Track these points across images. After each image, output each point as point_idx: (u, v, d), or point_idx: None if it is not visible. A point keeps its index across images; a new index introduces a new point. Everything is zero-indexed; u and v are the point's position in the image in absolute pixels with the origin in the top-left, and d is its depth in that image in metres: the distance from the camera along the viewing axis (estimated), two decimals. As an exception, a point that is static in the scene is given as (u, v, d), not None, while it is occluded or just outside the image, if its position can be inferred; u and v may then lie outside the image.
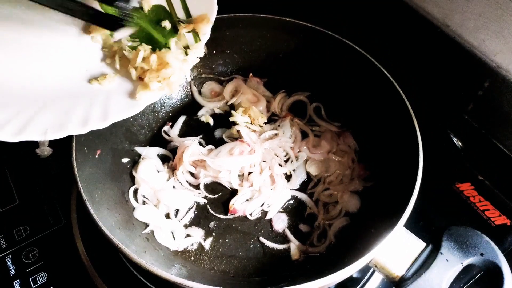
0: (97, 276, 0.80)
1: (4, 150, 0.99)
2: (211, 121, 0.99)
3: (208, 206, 0.87)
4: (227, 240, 0.82)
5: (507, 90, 0.85)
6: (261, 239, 0.82)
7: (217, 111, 1.02)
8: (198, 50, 0.69)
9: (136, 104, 0.64)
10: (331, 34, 0.91)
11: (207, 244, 0.82)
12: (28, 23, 0.66)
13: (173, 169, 0.90)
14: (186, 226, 0.84)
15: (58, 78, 0.65)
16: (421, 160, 0.72)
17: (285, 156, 0.93)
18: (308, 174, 0.91)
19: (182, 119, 1.00)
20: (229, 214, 0.85)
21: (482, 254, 0.66)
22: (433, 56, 0.97)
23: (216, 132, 0.98)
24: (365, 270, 0.82)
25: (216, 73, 1.04)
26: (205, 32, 0.68)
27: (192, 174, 0.90)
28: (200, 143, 0.94)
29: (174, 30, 0.69)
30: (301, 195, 0.88)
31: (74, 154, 0.72)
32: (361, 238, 0.73)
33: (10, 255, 0.84)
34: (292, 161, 0.92)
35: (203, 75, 1.04)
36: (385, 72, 0.84)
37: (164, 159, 0.92)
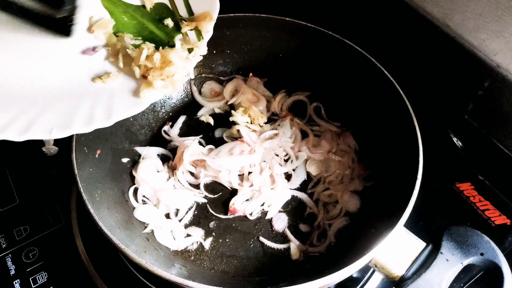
0: (97, 276, 0.80)
1: (4, 150, 0.99)
2: (211, 121, 0.99)
3: (208, 206, 0.87)
4: (227, 240, 0.82)
5: (507, 90, 0.85)
6: (261, 239, 0.82)
7: (217, 111, 1.02)
8: (201, 48, 0.69)
9: (140, 103, 0.64)
10: (331, 34, 0.91)
11: (207, 244, 0.82)
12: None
13: (173, 169, 0.90)
14: (186, 226, 0.84)
15: (61, 77, 0.65)
16: (421, 160, 0.72)
17: (285, 156, 0.93)
18: (308, 174, 0.91)
19: (182, 119, 0.99)
20: (229, 214, 0.85)
21: (482, 254, 0.66)
22: (433, 56, 0.97)
23: (216, 132, 0.98)
24: (365, 270, 0.82)
25: (216, 73, 1.04)
26: (208, 30, 0.69)
27: (192, 174, 0.90)
28: (200, 143, 0.94)
29: (177, 28, 0.69)
30: (301, 195, 0.88)
31: (74, 154, 0.72)
32: (361, 238, 0.73)
33: (10, 255, 0.84)
34: (292, 161, 0.92)
35: (203, 75, 1.04)
36: (385, 72, 0.84)
37: (164, 159, 0.92)
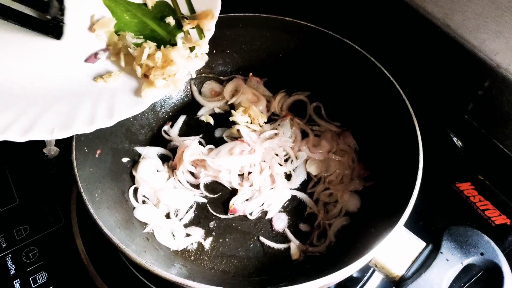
0: (97, 275, 0.80)
1: (4, 150, 0.99)
2: (211, 121, 0.99)
3: (208, 205, 0.87)
4: (227, 240, 0.82)
5: (507, 90, 0.85)
6: (261, 238, 0.82)
7: (217, 110, 1.02)
8: (203, 47, 0.69)
9: (141, 102, 0.63)
10: (331, 34, 0.91)
11: (207, 243, 0.82)
12: None
13: (173, 169, 0.90)
14: (186, 226, 0.84)
15: (62, 77, 0.65)
16: (421, 160, 0.72)
17: (285, 155, 0.93)
18: (308, 173, 0.91)
19: (182, 118, 0.99)
20: (229, 214, 0.85)
21: (482, 254, 0.66)
22: (433, 56, 0.97)
23: (216, 131, 0.98)
24: (365, 270, 0.82)
25: (216, 72, 1.04)
26: (210, 28, 0.68)
27: (192, 173, 0.90)
28: (200, 143, 0.94)
29: (178, 26, 0.69)
30: (301, 195, 0.88)
31: (74, 154, 0.72)
32: (361, 237, 0.73)
33: (10, 255, 0.84)
34: (292, 160, 0.92)
35: (203, 75, 1.04)
36: (385, 72, 0.84)
37: (164, 158, 0.92)
